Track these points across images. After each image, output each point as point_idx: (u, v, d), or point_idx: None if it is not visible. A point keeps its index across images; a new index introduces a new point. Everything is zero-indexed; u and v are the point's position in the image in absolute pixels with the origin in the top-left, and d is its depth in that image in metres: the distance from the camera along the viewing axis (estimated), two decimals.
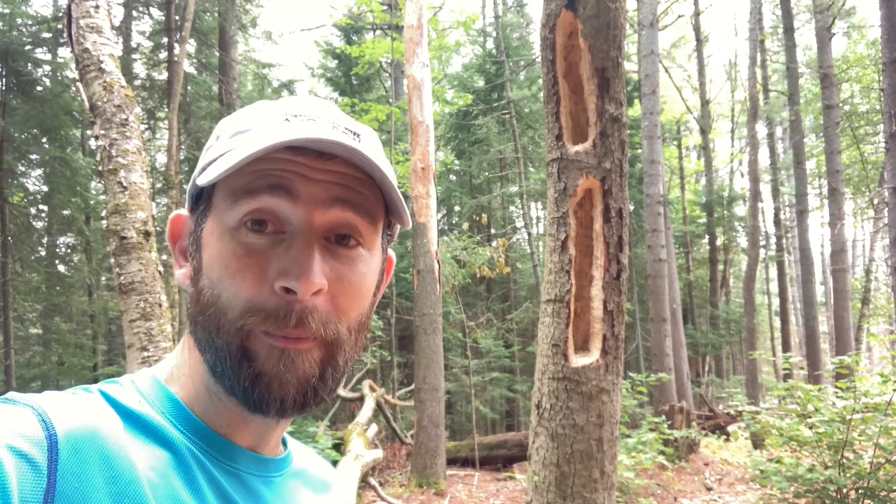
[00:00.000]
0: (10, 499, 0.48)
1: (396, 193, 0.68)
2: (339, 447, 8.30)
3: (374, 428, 9.63)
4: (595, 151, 2.80)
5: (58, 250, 15.53)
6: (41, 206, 14.41)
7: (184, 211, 0.72)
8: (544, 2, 3.04)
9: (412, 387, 10.01)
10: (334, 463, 7.60)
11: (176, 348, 0.72)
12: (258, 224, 0.63)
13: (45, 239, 14.84)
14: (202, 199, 0.68)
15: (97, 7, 3.63)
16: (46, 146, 12.61)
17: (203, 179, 0.63)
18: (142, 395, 0.65)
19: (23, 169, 13.28)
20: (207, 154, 0.69)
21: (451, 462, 9.79)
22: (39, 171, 13.64)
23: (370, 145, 0.69)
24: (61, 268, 15.32)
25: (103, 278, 15.28)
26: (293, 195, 0.63)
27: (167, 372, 0.70)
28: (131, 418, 0.62)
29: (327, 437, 8.63)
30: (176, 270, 0.72)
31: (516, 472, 9.28)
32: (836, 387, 6.48)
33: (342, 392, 10.94)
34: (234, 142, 0.66)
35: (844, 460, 5.91)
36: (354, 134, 0.67)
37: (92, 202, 13.30)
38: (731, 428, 12.84)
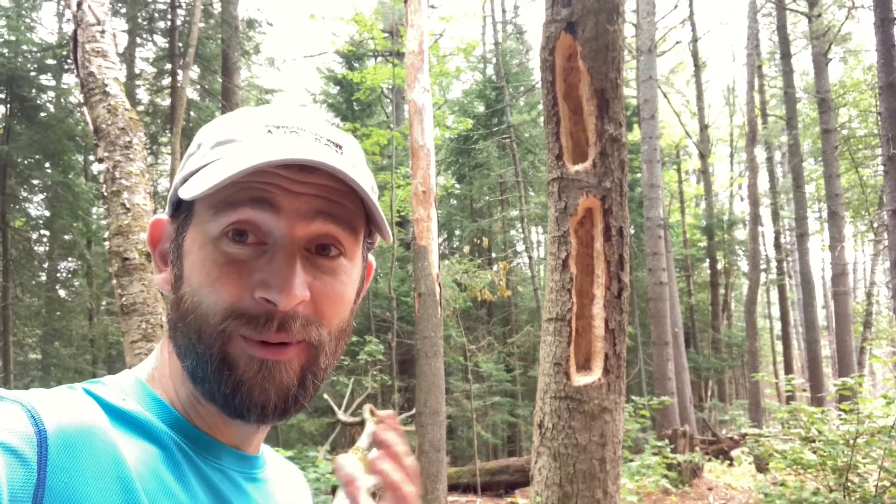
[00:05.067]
0: None
1: (376, 205, 0.68)
2: None
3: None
4: (595, 171, 2.83)
5: (59, 275, 15.54)
6: (43, 231, 14.45)
7: (163, 216, 0.72)
8: (544, 25, 3.08)
9: (413, 411, 9.94)
10: (334, 488, 7.53)
11: (154, 351, 0.73)
12: (240, 234, 0.64)
13: (46, 264, 14.86)
14: (183, 208, 0.68)
15: (103, 32, 3.68)
16: (49, 171, 12.69)
17: (185, 193, 0.64)
18: (125, 394, 0.66)
19: (25, 194, 13.34)
20: (189, 163, 0.69)
21: (453, 488, 9.69)
22: (42, 196, 13.70)
23: (352, 156, 0.69)
24: (62, 292, 15.32)
25: (104, 302, 15.24)
26: (275, 208, 0.63)
27: (148, 373, 0.71)
28: (116, 414, 0.62)
29: (327, 462, 8.55)
30: (156, 275, 0.72)
31: (518, 498, 9.18)
32: (840, 409, 6.43)
33: (343, 417, 10.86)
34: (216, 153, 0.66)
35: (849, 483, 5.85)
36: (337, 146, 0.68)
37: (94, 226, 13.32)
38: (734, 452, 12.70)
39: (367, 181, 0.68)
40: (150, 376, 0.70)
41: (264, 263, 0.63)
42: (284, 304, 0.61)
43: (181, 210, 0.69)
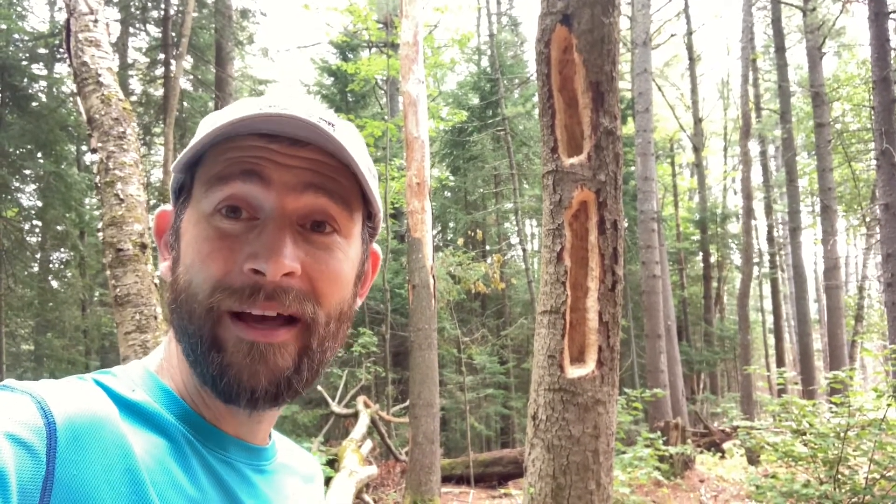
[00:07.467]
0: (8, 486, 0.49)
1: (370, 183, 0.68)
2: (333, 463, 8.24)
3: (368, 444, 9.57)
4: (590, 164, 2.83)
5: (51, 265, 15.46)
6: (35, 222, 14.37)
7: (168, 207, 0.73)
8: (539, 17, 3.07)
9: (407, 403, 9.96)
10: (328, 479, 7.55)
11: (164, 341, 0.73)
12: (233, 211, 0.64)
13: (39, 254, 14.78)
14: (182, 192, 0.69)
15: (96, 21, 3.66)
16: (41, 161, 12.60)
17: (175, 165, 0.65)
18: (135, 385, 0.66)
19: (17, 184, 13.26)
20: (187, 147, 0.70)
21: (446, 479, 9.72)
22: (34, 186, 13.62)
23: (345, 134, 0.68)
24: (54, 283, 15.25)
25: (97, 293, 15.21)
26: (265, 181, 0.63)
27: (157, 363, 0.71)
28: (126, 406, 0.62)
29: (321, 454, 8.58)
30: (160, 263, 0.72)
31: (512, 489, 9.23)
32: (831, 402, 6.47)
33: (336, 408, 10.88)
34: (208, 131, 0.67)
35: (840, 476, 5.90)
36: (329, 123, 0.67)
37: (86, 217, 13.26)
38: (726, 445, 12.80)
39: (362, 160, 0.68)
40: (159, 367, 0.71)
41: (254, 237, 0.63)
42: (272, 272, 0.61)
43: (181, 195, 0.70)
